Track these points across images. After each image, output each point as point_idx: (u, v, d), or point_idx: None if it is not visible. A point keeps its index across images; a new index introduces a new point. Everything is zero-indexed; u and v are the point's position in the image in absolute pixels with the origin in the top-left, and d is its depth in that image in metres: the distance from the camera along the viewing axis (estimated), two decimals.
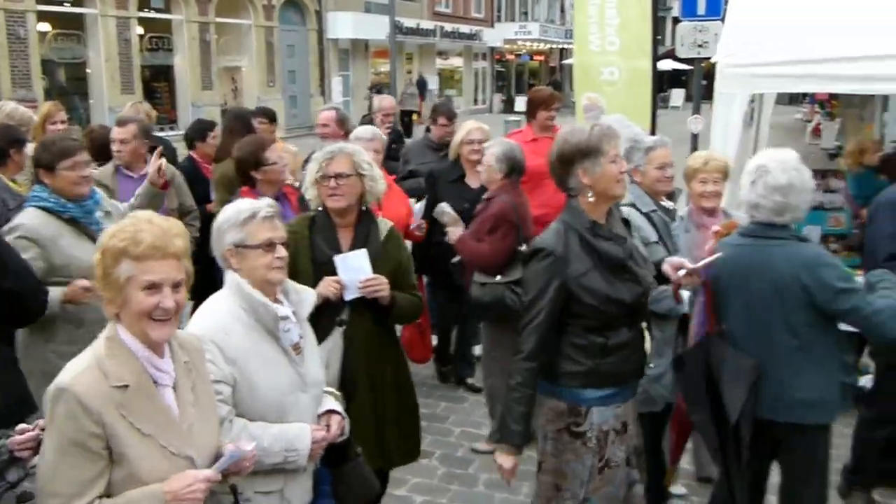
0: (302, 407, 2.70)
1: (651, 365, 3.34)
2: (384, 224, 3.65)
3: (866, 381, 4.88)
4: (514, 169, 4.81)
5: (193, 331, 2.50)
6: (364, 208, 3.57)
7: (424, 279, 5.87)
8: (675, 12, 41.49)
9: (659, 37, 9.51)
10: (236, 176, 4.81)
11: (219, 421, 2.35)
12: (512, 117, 22.46)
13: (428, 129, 7.01)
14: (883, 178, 6.81)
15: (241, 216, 2.64)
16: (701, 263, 3.21)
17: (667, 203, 4.03)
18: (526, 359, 2.95)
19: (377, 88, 18.28)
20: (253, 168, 4.47)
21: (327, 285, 3.42)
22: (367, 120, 7.07)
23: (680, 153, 4.54)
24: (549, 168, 3.06)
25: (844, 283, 3.05)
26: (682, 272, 3.34)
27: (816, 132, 21.85)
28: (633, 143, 4.16)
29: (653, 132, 6.98)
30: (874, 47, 4.54)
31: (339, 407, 2.87)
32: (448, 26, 36.43)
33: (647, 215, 3.97)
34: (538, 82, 43.35)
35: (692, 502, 4.53)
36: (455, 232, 4.87)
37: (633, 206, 3.96)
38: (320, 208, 3.54)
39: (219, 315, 2.61)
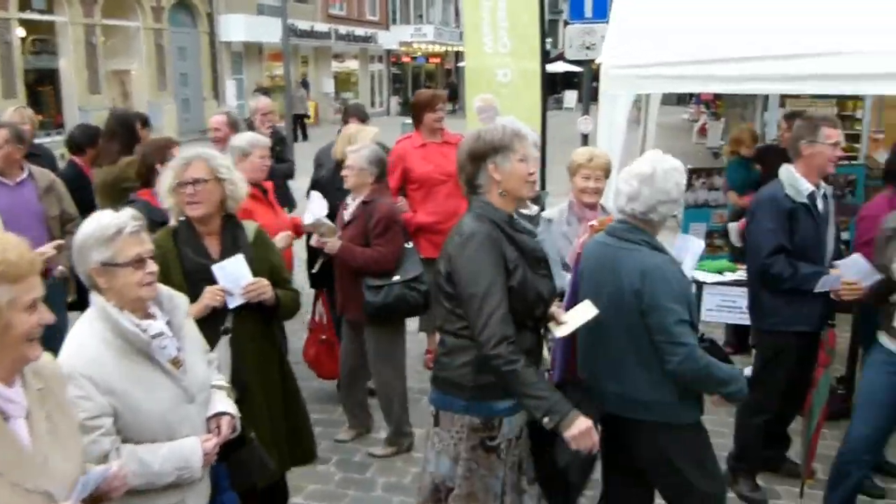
0: (192, 418, 2.63)
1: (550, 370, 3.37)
2: (250, 226, 3.57)
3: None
4: (383, 172, 4.88)
5: (64, 364, 2.36)
6: (227, 213, 3.47)
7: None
8: (567, 15, 42.58)
9: (550, 39, 9.72)
10: (117, 182, 4.64)
11: (81, 449, 2.20)
12: (409, 119, 22.41)
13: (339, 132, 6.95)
14: (757, 168, 7.18)
15: (106, 232, 2.49)
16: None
17: (529, 209, 4.04)
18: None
19: (263, 91, 17.98)
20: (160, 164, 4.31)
21: (213, 295, 3.33)
22: (249, 123, 6.95)
23: (570, 153, 4.63)
24: (457, 167, 3.06)
25: (671, 302, 3.07)
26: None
27: (702, 132, 22.75)
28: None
29: (543, 133, 7.09)
30: (752, 48, 4.70)
31: (228, 405, 2.81)
32: (343, 29, 36.20)
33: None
34: (435, 84, 43.63)
35: None
36: (334, 243, 4.80)
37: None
38: (182, 218, 3.42)
39: (88, 345, 2.49)
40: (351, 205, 4.91)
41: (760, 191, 4.52)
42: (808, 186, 4.25)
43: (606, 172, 4.30)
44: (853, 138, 10.56)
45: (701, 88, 5.10)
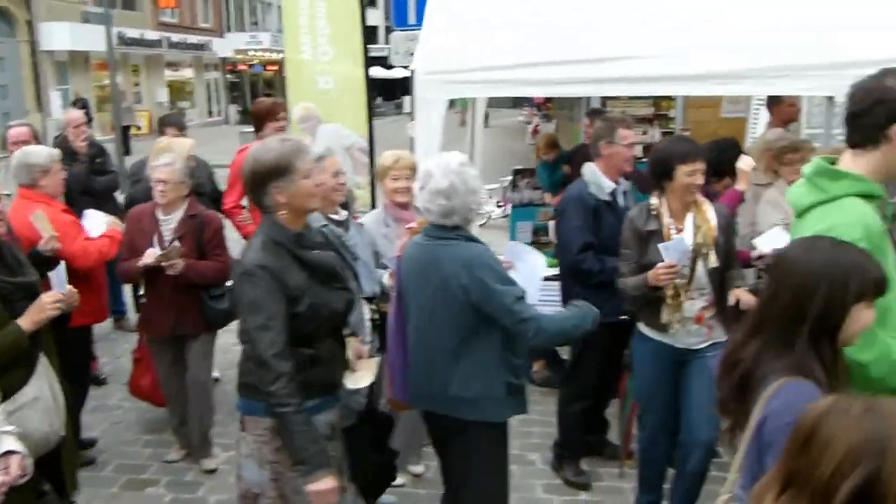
0: None
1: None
2: None
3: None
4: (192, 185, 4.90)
5: None
6: None
7: None
8: (370, 20, 42.97)
9: (390, 45, 9.78)
10: None
11: None
12: (248, 128, 21.96)
13: None
14: (563, 170, 7.55)
15: None
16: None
17: (339, 214, 4.06)
18: (285, 379, 2.81)
19: (82, 103, 17.18)
20: None
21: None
22: (62, 138, 6.64)
23: None
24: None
25: (501, 284, 3.18)
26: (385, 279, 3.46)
27: (535, 133, 23.50)
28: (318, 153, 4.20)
29: (371, 140, 7.14)
30: (562, 53, 4.88)
31: (17, 446, 2.69)
32: (175, 37, 35.02)
33: (319, 232, 3.94)
34: (274, 92, 42.86)
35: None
36: (179, 263, 4.65)
37: None
38: None
39: None
40: (168, 220, 4.77)
41: (567, 190, 4.74)
42: (609, 184, 4.50)
43: (413, 171, 4.41)
44: (669, 135, 11.22)
45: (512, 92, 5.26)
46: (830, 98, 4.82)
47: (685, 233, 3.91)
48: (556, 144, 8.03)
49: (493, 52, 5.02)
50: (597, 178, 4.51)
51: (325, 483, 2.85)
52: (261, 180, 2.91)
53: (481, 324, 3.23)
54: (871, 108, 2.56)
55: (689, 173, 3.82)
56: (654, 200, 3.98)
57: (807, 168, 2.72)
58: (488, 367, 3.27)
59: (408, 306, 3.42)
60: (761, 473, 2.07)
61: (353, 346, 3.31)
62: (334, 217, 3.94)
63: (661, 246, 3.79)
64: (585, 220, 4.45)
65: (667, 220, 3.92)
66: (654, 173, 3.96)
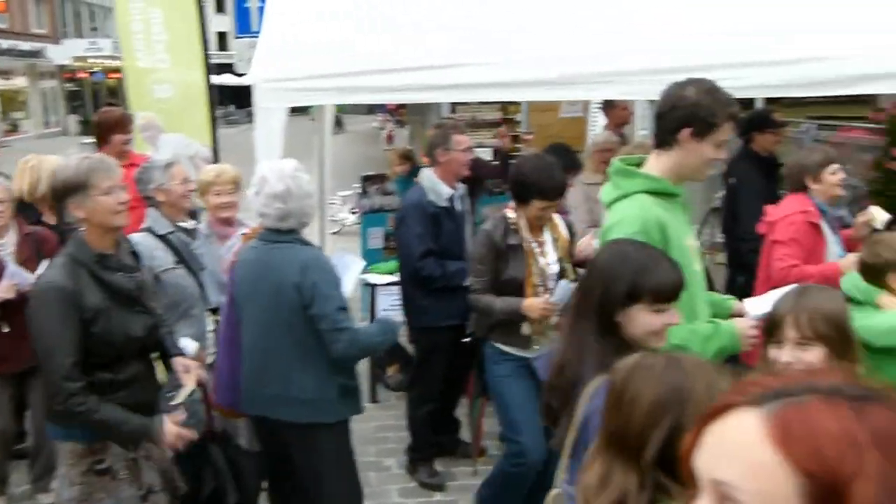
0: None
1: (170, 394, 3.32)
2: None
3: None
4: None
5: None
6: None
7: None
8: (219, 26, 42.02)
9: (234, 52, 9.56)
10: None
11: None
12: (89, 140, 20.96)
13: None
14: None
15: None
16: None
17: (187, 223, 4.02)
18: (72, 396, 2.80)
19: None
20: None
21: None
22: None
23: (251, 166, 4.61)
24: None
25: (330, 290, 3.25)
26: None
27: (389, 139, 23.63)
28: (154, 163, 4.13)
29: (215, 149, 6.96)
30: (402, 60, 4.92)
31: None
32: (5, 43, 32.94)
33: (164, 238, 3.88)
34: (118, 101, 41.01)
35: None
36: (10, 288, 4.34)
37: (149, 230, 3.89)
38: None
39: None
40: (4, 244, 4.46)
41: (406, 197, 4.80)
42: (447, 190, 4.59)
43: (237, 185, 4.37)
44: (517, 139, 11.53)
45: (355, 100, 5.26)
46: (652, 102, 5.09)
47: (547, 247, 4.00)
48: (408, 157, 8.08)
49: (335, 59, 5.00)
50: (435, 184, 4.59)
51: (170, 429, 2.92)
52: (59, 195, 2.92)
53: (315, 325, 3.27)
54: (668, 112, 2.77)
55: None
56: (511, 214, 3.99)
57: (610, 168, 2.90)
58: (323, 368, 3.32)
59: (241, 311, 3.40)
60: None
61: (178, 362, 3.24)
62: (183, 225, 3.88)
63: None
64: (425, 227, 4.53)
65: (526, 234, 3.96)
66: (515, 193, 4.00)
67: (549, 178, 3.93)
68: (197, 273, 3.75)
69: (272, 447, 3.51)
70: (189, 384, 3.24)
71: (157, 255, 3.72)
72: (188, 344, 3.48)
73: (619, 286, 2.31)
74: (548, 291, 3.87)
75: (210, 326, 3.88)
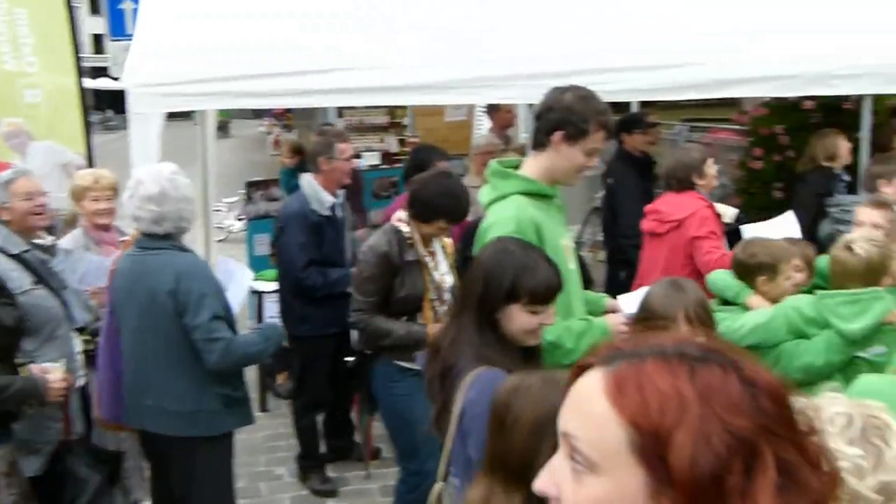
0: None
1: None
2: None
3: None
4: None
5: None
6: None
7: None
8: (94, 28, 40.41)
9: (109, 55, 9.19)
10: None
11: None
12: None
13: None
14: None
15: None
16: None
17: (44, 239, 3.77)
18: None
19: None
20: None
21: None
22: None
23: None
24: None
25: (206, 298, 3.20)
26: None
27: (276, 144, 23.25)
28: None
29: (89, 156, 6.70)
30: (277, 65, 4.88)
31: None
32: None
33: (19, 258, 3.51)
34: None
35: None
36: None
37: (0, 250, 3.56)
38: None
39: None
40: None
41: (287, 205, 4.77)
42: (330, 199, 4.58)
43: (114, 191, 4.24)
44: (402, 143, 11.58)
45: (232, 105, 5.19)
46: (530, 105, 5.24)
47: (438, 257, 3.94)
48: (300, 150, 8.01)
49: (214, 63, 4.90)
50: (317, 193, 4.57)
51: (48, 378, 3.00)
52: None
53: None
54: (544, 114, 2.86)
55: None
56: (405, 228, 3.86)
57: (488, 170, 2.98)
58: (202, 378, 3.26)
59: (120, 320, 3.31)
60: (466, 460, 2.22)
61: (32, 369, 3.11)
62: (39, 242, 3.65)
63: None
64: (308, 236, 4.51)
65: (420, 248, 3.88)
66: (417, 212, 3.85)
67: (457, 202, 3.86)
68: (59, 292, 3.48)
69: (154, 460, 3.42)
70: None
71: (12, 277, 3.37)
72: (51, 368, 3.27)
73: (500, 285, 2.38)
74: (443, 304, 3.81)
75: (78, 347, 3.64)
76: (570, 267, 2.97)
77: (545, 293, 2.43)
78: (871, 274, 3.06)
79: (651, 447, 0.90)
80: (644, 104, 7.38)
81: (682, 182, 4.81)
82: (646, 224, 4.96)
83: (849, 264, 3.08)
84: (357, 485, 4.95)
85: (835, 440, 1.49)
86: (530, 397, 1.76)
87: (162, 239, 3.25)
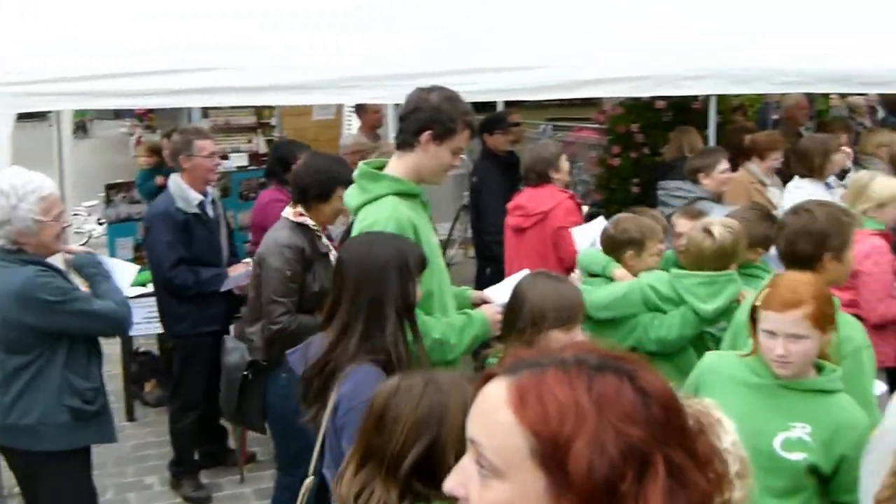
0: None
1: None
2: None
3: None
4: None
5: None
6: None
7: None
8: None
9: None
10: None
11: None
12: None
13: None
14: (159, 181, 7.29)
15: None
16: None
17: None
18: None
19: None
20: None
21: None
22: None
23: None
24: None
25: (57, 296, 3.11)
26: None
27: (139, 145, 22.42)
28: None
29: None
30: (146, 64, 4.73)
31: None
32: None
33: None
34: None
35: None
36: None
37: None
38: None
39: None
40: None
41: (153, 205, 4.67)
42: (196, 196, 4.50)
43: None
44: (270, 143, 11.43)
45: (87, 105, 5.03)
46: (398, 106, 5.30)
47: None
48: (157, 151, 7.77)
49: (68, 61, 4.72)
50: (183, 191, 4.49)
51: None
52: None
53: (37, 345, 3.11)
54: (411, 114, 2.92)
55: (342, 196, 3.82)
56: (311, 221, 3.81)
57: (355, 171, 3.00)
58: (47, 391, 3.13)
59: None
60: (340, 453, 2.26)
61: None
62: None
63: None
64: (174, 234, 4.42)
65: (325, 240, 3.85)
66: (316, 193, 3.80)
67: (344, 165, 3.86)
68: None
69: (16, 476, 3.27)
70: None
71: None
72: None
73: (411, 264, 2.49)
74: None
75: None
76: (440, 263, 3.06)
77: (424, 263, 2.58)
78: (723, 257, 3.31)
79: (551, 455, 0.95)
80: (509, 104, 7.59)
81: (541, 176, 5.02)
82: (510, 220, 5.14)
83: (705, 246, 3.31)
84: (232, 489, 4.89)
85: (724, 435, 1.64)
86: (411, 398, 1.81)
87: (10, 252, 3.10)
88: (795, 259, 2.93)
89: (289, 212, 3.86)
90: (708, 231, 3.32)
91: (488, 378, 1.05)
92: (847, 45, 5.47)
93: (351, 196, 3.01)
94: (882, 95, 8.73)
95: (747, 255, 3.50)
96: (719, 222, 3.41)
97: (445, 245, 8.62)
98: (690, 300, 3.26)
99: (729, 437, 1.62)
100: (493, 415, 1.00)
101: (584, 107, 9.22)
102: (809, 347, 2.32)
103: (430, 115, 2.89)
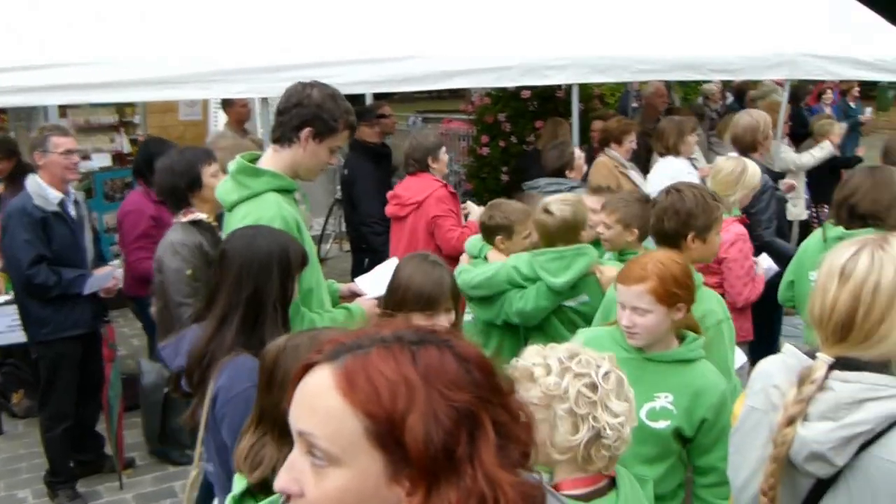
0: None
1: None
2: None
3: None
4: None
5: None
6: None
7: None
8: None
9: None
10: None
11: None
12: None
13: None
14: None
15: None
16: None
17: None
18: None
19: None
20: None
21: None
22: None
23: None
24: None
25: None
26: None
27: None
28: None
29: None
30: None
31: None
32: None
33: None
34: None
35: None
36: None
37: None
38: None
39: None
40: None
41: (10, 203, 4.48)
42: (56, 195, 4.33)
43: None
44: (134, 143, 11.04)
45: None
46: (265, 99, 5.26)
47: None
48: (13, 153, 7.34)
49: None
50: (41, 189, 4.31)
51: None
52: None
53: None
54: (291, 110, 2.89)
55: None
56: (201, 214, 3.78)
57: (231, 166, 2.96)
58: None
59: None
60: (221, 445, 2.28)
61: None
62: None
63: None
64: (34, 233, 4.24)
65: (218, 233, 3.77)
66: (177, 189, 3.75)
67: (192, 148, 3.90)
68: None
69: None
70: None
71: None
72: None
73: (292, 259, 2.50)
74: None
75: None
76: (316, 259, 3.07)
77: (305, 258, 2.61)
78: (569, 230, 3.50)
79: (387, 432, 0.97)
80: (378, 97, 7.64)
81: (420, 163, 5.11)
82: (388, 209, 5.22)
83: (549, 224, 3.51)
84: (110, 496, 4.75)
85: (609, 396, 1.79)
86: (298, 354, 1.82)
87: None
88: (662, 236, 3.14)
89: (178, 217, 3.83)
90: (547, 210, 3.52)
91: (307, 368, 1.05)
92: (698, 35, 5.84)
93: (227, 191, 2.93)
94: (728, 83, 9.33)
95: (625, 237, 3.64)
96: (555, 199, 3.59)
97: (319, 240, 8.60)
98: (543, 275, 3.45)
99: (537, 389, 1.77)
100: (322, 403, 1.00)
101: (453, 99, 9.38)
102: (653, 321, 2.47)
103: (312, 112, 2.85)
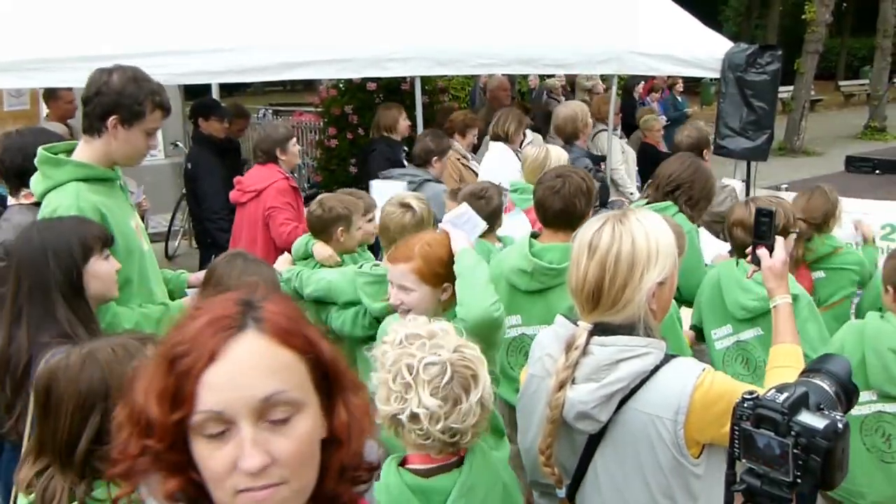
0: None
1: None
2: None
3: None
4: None
5: None
6: None
7: None
8: None
9: None
10: None
11: None
12: None
13: None
14: None
15: None
16: None
17: None
18: None
19: None
20: None
21: None
22: None
23: None
24: None
25: None
26: None
27: None
28: None
29: None
30: None
31: None
32: None
33: None
34: None
35: None
36: None
37: None
38: None
39: None
40: None
41: None
42: None
43: None
44: None
45: None
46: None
47: None
48: None
49: None
50: None
51: None
52: None
53: None
54: (94, 98, 2.78)
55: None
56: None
57: (37, 158, 2.83)
58: None
59: None
60: None
61: None
62: None
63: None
64: None
65: None
66: (28, 171, 3.27)
67: (43, 130, 3.77)
68: None
69: None
70: None
71: None
72: None
73: (74, 246, 2.41)
74: None
75: None
76: (144, 248, 2.97)
77: (110, 233, 2.56)
78: (427, 227, 3.26)
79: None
80: (229, 88, 7.46)
81: (267, 154, 5.06)
82: (232, 194, 5.17)
83: (406, 221, 3.30)
84: None
85: (423, 387, 1.79)
86: (70, 377, 1.73)
87: None
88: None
89: (14, 201, 3.55)
90: (405, 205, 3.37)
91: (208, 358, 1.04)
92: (535, 31, 6.04)
93: (35, 182, 2.85)
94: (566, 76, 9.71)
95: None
96: (410, 196, 3.53)
97: (167, 237, 8.31)
98: (364, 300, 3.15)
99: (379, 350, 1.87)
100: (275, 361, 1.06)
101: (306, 92, 9.27)
102: (417, 298, 2.55)
103: (114, 100, 2.75)
